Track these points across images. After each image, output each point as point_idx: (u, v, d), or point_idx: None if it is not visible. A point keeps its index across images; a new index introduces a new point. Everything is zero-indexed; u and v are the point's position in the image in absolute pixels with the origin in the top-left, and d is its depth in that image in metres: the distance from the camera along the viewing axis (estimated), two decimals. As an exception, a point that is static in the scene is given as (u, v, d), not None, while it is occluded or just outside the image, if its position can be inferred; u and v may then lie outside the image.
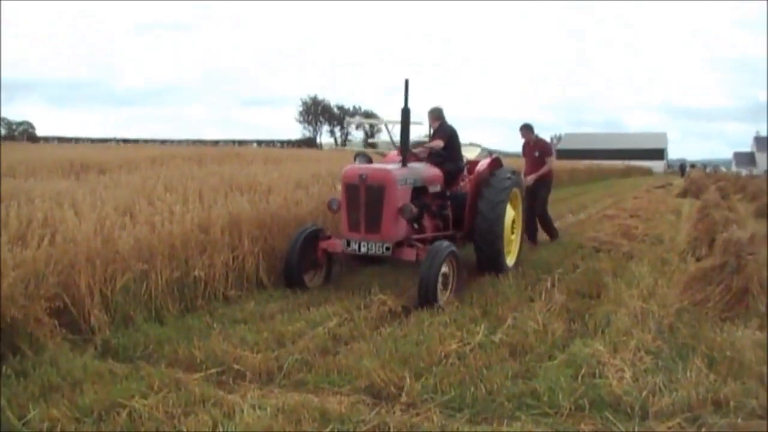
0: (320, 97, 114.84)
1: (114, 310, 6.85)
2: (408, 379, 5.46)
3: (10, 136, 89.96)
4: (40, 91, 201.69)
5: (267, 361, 5.91)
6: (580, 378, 5.53)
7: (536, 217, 13.17)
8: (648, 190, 34.24)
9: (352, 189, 8.68)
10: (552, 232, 13.51)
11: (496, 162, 10.65)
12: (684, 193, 31.23)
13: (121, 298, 6.95)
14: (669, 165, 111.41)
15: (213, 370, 5.77)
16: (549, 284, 8.97)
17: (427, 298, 7.80)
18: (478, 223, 9.68)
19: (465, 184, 10.44)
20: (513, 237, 10.73)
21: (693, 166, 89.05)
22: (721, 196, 22.35)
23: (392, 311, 7.72)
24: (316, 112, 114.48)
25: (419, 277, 7.90)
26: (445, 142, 10.27)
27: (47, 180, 12.74)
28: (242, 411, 4.80)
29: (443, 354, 6.14)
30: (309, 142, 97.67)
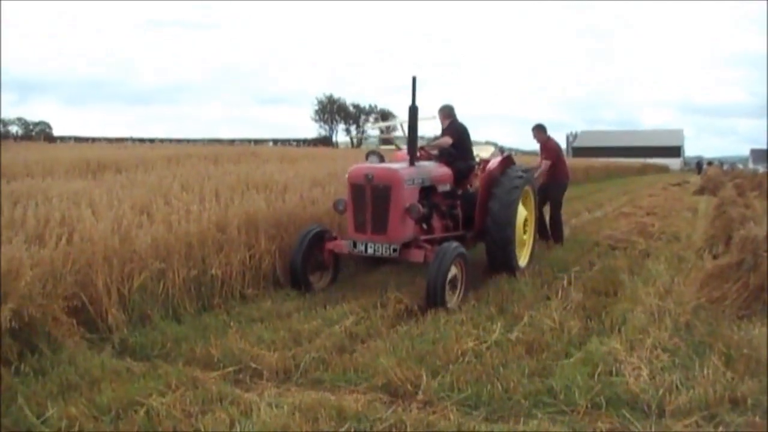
0: (336, 95, 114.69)
1: (131, 309, 6.89)
2: (424, 377, 5.48)
3: (27, 136, 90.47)
4: (57, 91, 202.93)
5: (284, 359, 5.94)
6: (596, 376, 5.52)
7: (548, 217, 12.90)
8: (664, 187, 34.07)
9: (358, 189, 8.55)
10: (558, 235, 12.85)
11: (508, 160, 10.48)
12: (701, 191, 31.06)
13: (139, 296, 7.00)
14: (686, 162, 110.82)
15: (230, 369, 5.81)
16: (565, 282, 8.97)
17: (434, 301, 7.64)
18: (489, 223, 9.46)
19: (477, 183, 10.30)
20: (525, 237, 10.48)
21: (710, 163, 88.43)
22: (737, 194, 22.23)
23: (408, 309, 7.72)
24: (332, 110, 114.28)
25: (426, 280, 7.76)
26: (455, 140, 10.12)
27: (64, 179, 12.80)
28: (259, 409, 4.82)
29: (460, 352, 6.14)
30: (325, 141, 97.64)
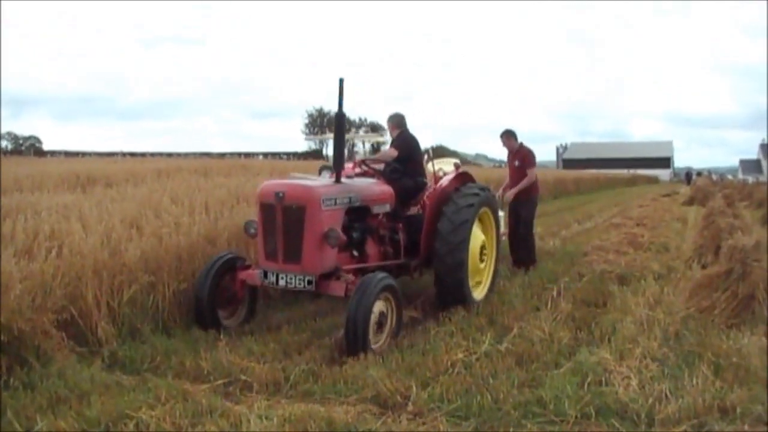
0: (326, 108, 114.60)
1: (121, 322, 6.87)
2: (414, 389, 5.49)
3: (17, 150, 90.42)
4: (48, 106, 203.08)
5: (274, 371, 5.94)
6: (586, 386, 5.53)
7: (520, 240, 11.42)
8: (654, 198, 34.15)
9: (268, 210, 7.24)
10: (531, 258, 11.43)
11: (463, 176, 9.25)
12: (690, 201, 31.20)
13: (128, 310, 6.98)
14: (675, 173, 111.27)
15: (220, 381, 5.80)
16: (555, 293, 8.99)
17: (354, 344, 6.40)
18: (437, 246, 8.18)
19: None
20: (483, 266, 9.12)
21: (699, 174, 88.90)
22: (726, 204, 22.30)
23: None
24: (321, 123, 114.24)
25: (345, 318, 6.55)
26: (402, 154, 8.80)
27: (54, 193, 12.75)
28: (249, 421, 4.81)
29: (449, 363, 6.16)
30: (315, 154, 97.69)
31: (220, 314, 7.48)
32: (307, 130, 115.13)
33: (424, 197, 8.93)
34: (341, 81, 7.19)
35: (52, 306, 6.22)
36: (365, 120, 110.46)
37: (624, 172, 72.90)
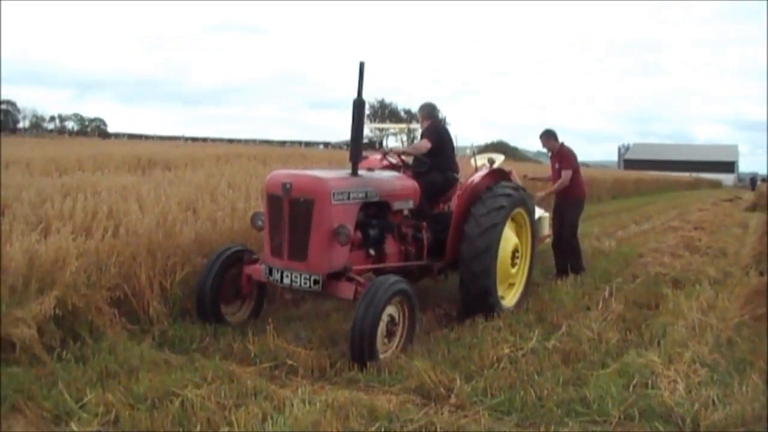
0: (388, 100, 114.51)
1: (172, 303, 7.00)
2: (458, 381, 5.49)
3: (82, 132, 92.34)
4: (113, 89, 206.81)
5: (320, 357, 6.01)
6: (631, 387, 5.48)
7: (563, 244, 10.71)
8: (715, 203, 33.53)
9: (274, 202, 6.70)
10: (577, 265, 10.59)
11: (497, 173, 8.56)
12: (753, 207, 30.45)
13: (180, 291, 7.10)
14: (740, 178, 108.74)
15: (266, 365, 5.88)
16: (607, 293, 8.89)
17: (361, 352, 5.86)
18: (463, 250, 7.56)
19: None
20: (515, 271, 8.42)
21: (765, 180, 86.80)
22: (791, 211, 21.77)
23: (447, 315, 7.77)
24: (383, 115, 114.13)
25: (352, 323, 5.98)
26: (433, 146, 8.13)
27: (114, 174, 13.02)
28: (292, 405, 4.87)
29: (495, 358, 6.15)
30: (373, 145, 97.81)
31: (226, 309, 7.06)
32: (368, 121, 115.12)
33: (455, 194, 8.32)
34: (362, 65, 6.62)
35: (106, 283, 6.38)
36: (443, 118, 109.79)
37: (686, 175, 71.54)
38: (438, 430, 4.68)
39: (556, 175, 10.79)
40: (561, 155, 10.75)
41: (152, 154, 20.94)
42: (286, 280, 6.56)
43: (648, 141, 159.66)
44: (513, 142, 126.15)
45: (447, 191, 8.51)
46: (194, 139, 60.02)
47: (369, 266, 7.13)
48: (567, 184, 10.56)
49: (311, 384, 5.52)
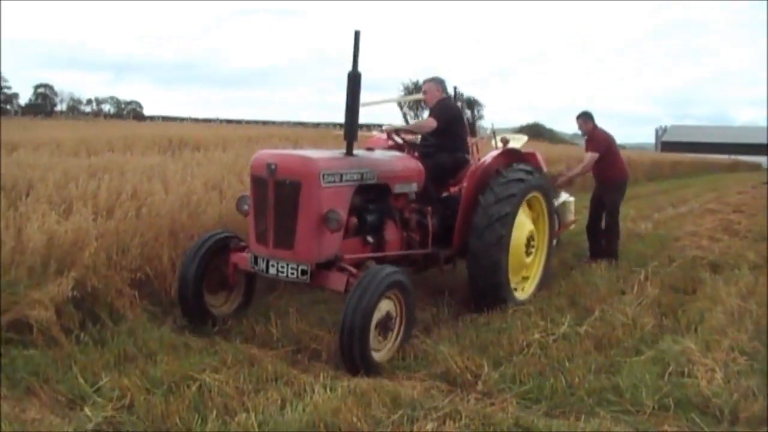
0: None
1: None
2: (486, 368, 5.34)
3: (119, 115, 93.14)
4: (148, 72, 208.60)
5: (343, 341, 5.83)
6: (666, 376, 5.27)
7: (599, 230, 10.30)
8: (754, 185, 32.83)
9: (259, 184, 6.05)
10: (612, 252, 10.09)
11: (510, 154, 7.86)
12: (794, 190, 29.87)
13: (203, 272, 6.94)
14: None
15: (289, 348, 5.77)
16: (642, 277, 8.64)
17: (350, 351, 5.26)
18: (471, 243, 7.01)
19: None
20: (530, 260, 7.86)
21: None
22: (833, 194, 21.25)
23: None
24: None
25: (341, 318, 5.36)
26: (440, 125, 7.43)
27: (143, 155, 12.96)
28: (313, 390, 4.73)
29: (525, 343, 5.96)
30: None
31: (211, 300, 6.45)
32: (402, 103, 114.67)
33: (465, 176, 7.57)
34: (357, 34, 5.89)
35: (127, 265, 6.28)
36: (462, 95, 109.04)
37: (724, 157, 70.39)
38: (463, 418, 4.50)
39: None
40: (590, 138, 10.39)
41: (183, 135, 20.91)
42: (272, 270, 5.93)
43: (685, 123, 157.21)
44: (548, 124, 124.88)
45: (456, 173, 7.77)
46: (229, 121, 60.17)
47: (367, 255, 6.43)
48: (589, 169, 10.26)
49: (334, 369, 5.38)
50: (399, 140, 7.62)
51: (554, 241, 8.76)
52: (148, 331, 5.77)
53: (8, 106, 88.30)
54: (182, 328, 6.13)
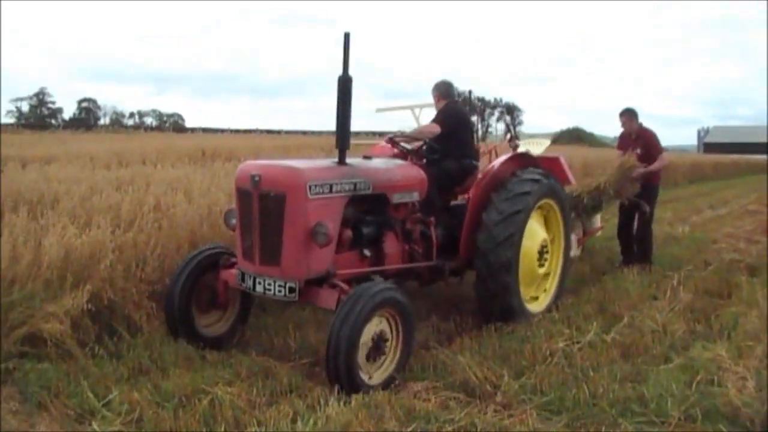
0: (461, 89, 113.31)
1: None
2: (506, 378, 5.19)
3: (160, 128, 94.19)
4: (190, 84, 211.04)
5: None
6: (694, 385, 5.04)
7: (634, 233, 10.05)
8: (800, 186, 32.19)
9: (244, 197, 5.76)
10: (646, 258, 9.79)
11: (522, 158, 7.53)
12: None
13: (223, 284, 6.88)
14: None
15: (306, 361, 5.69)
16: (675, 282, 8.40)
17: (336, 374, 4.93)
18: (480, 241, 6.64)
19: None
20: (542, 271, 7.38)
21: None
22: None
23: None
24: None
25: (327, 338, 5.03)
26: (445, 130, 7.09)
27: (174, 167, 12.97)
28: (326, 403, 4.62)
29: (548, 352, 5.79)
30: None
31: (202, 321, 6.11)
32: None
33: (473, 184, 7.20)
34: (347, 36, 5.60)
35: (146, 277, 6.23)
36: (500, 100, 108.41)
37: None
38: (479, 430, 4.37)
39: (637, 157, 9.78)
40: (645, 138, 9.96)
41: (217, 146, 21.04)
42: (259, 288, 5.60)
43: (728, 124, 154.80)
44: (589, 127, 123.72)
45: (464, 181, 7.39)
46: (270, 131, 60.49)
47: (364, 269, 6.08)
48: (658, 170, 9.86)
49: (350, 381, 5.24)
50: (404, 147, 7.27)
51: (579, 249, 8.55)
52: (164, 343, 5.71)
53: (53, 121, 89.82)
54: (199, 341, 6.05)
